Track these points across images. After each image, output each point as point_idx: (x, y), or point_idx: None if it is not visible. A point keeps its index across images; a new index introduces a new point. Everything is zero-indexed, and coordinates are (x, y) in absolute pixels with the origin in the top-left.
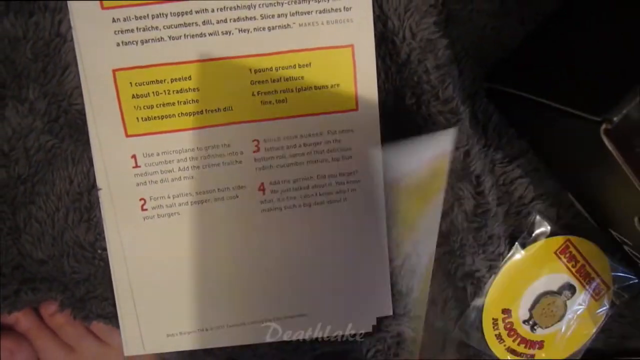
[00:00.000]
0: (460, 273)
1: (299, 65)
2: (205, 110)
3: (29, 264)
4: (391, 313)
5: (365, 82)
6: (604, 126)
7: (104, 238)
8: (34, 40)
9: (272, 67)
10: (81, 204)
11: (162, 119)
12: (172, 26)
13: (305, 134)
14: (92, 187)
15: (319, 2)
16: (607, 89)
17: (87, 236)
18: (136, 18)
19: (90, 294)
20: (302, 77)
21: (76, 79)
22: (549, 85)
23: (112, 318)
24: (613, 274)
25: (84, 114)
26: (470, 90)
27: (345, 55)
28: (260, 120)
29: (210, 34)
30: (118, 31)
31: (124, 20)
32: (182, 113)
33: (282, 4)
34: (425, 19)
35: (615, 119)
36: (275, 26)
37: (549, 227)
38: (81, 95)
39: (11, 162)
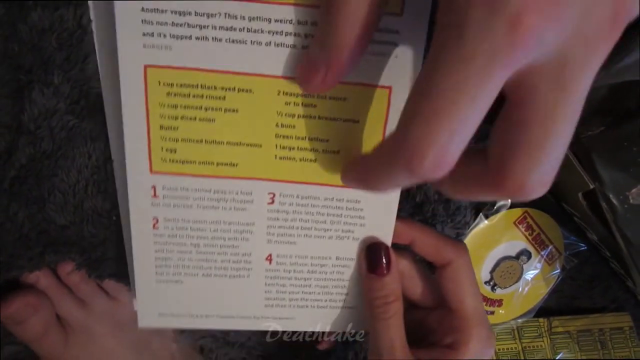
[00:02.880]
0: None
1: None
2: None
3: (52, 229)
4: None
5: None
6: None
7: (118, 206)
8: (59, 31)
9: None
10: (99, 176)
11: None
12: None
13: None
14: (108, 161)
15: None
16: None
17: (103, 205)
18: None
19: (104, 255)
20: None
21: (95, 66)
22: None
23: (122, 277)
24: (565, 241)
25: (102, 98)
26: None
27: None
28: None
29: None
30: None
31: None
32: None
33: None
34: None
35: None
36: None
37: (509, 200)
38: (99, 80)
39: (37, 139)
